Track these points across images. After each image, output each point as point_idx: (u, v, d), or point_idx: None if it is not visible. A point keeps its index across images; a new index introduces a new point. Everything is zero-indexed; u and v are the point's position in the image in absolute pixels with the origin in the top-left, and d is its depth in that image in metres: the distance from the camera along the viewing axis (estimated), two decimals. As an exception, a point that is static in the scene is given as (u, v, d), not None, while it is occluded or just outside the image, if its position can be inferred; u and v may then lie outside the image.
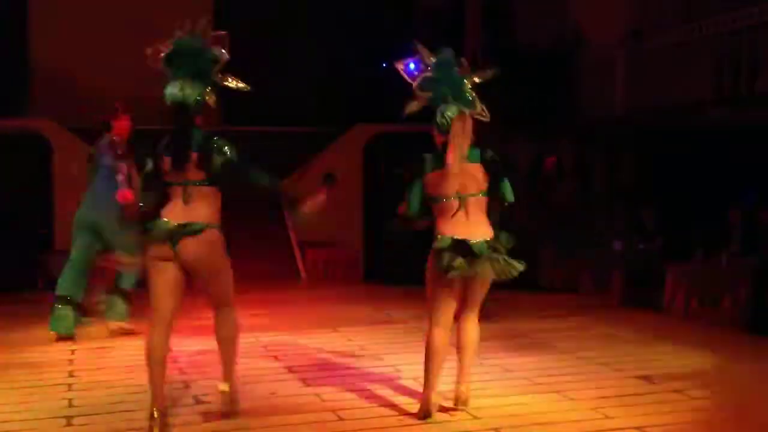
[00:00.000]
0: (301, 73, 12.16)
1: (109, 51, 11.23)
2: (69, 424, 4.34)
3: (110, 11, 11.63)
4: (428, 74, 4.44)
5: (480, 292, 4.40)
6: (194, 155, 4.07)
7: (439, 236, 4.27)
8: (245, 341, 5.80)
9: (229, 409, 4.39)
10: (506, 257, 4.25)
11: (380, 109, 11.57)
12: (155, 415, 4.11)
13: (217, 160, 4.08)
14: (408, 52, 4.59)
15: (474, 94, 4.46)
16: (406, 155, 11.75)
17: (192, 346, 6.19)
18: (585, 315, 7.72)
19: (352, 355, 5.93)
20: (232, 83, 4.22)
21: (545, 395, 4.87)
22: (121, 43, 11.37)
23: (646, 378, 5.25)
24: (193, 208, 4.09)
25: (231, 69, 4.29)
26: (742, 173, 8.42)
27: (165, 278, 4.12)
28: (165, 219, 4.09)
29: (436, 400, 4.41)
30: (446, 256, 4.17)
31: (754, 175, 8.24)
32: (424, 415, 4.35)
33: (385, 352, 6.08)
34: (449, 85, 4.44)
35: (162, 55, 4.19)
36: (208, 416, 4.46)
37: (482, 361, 5.50)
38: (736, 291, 7.27)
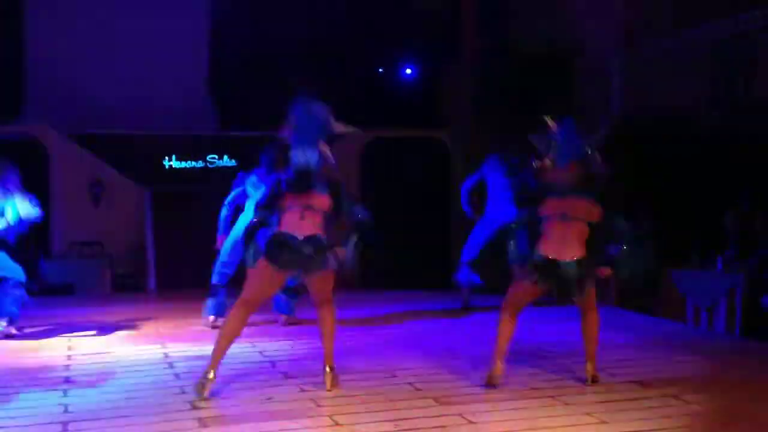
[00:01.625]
0: (295, 77, 12.18)
1: (108, 56, 11.25)
2: (65, 430, 4.34)
3: (109, 16, 11.64)
4: (554, 140, 5.18)
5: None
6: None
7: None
8: (241, 347, 5.85)
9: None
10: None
11: (377, 114, 11.62)
12: (210, 376, 4.84)
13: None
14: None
15: (589, 152, 5.17)
16: (404, 160, 11.80)
17: (188, 352, 6.20)
18: (579, 320, 7.71)
19: (348, 360, 5.92)
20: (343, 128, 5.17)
21: (540, 400, 4.88)
22: (120, 49, 11.42)
23: (642, 383, 5.26)
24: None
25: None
26: (738, 178, 8.45)
27: (278, 280, 5.04)
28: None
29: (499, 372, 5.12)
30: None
31: (750, 179, 8.27)
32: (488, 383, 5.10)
33: (381, 356, 6.09)
34: (569, 147, 5.15)
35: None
36: (203, 422, 4.46)
37: (477, 366, 5.51)
38: (732, 295, 7.29)
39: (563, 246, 5.04)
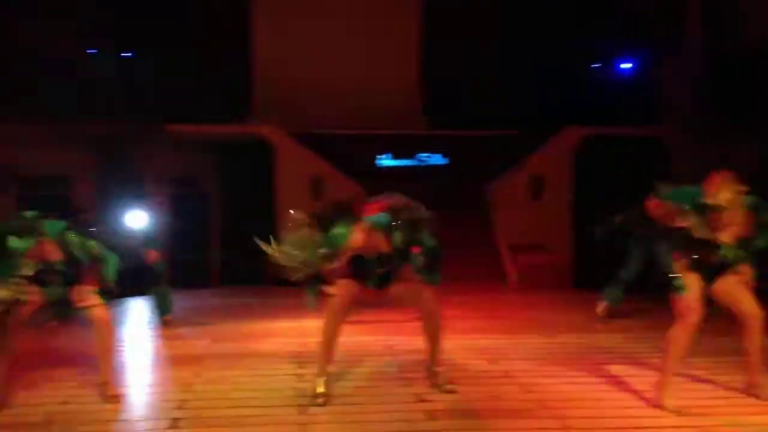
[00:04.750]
0: (507, 75, 12.12)
1: (327, 60, 11.73)
2: (301, 413, 4.59)
3: (328, 22, 12.12)
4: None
5: None
6: None
7: None
8: (462, 343, 5.89)
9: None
10: None
11: (592, 110, 11.29)
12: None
13: None
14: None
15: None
16: (619, 158, 11.38)
17: (409, 345, 6.29)
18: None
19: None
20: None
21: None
22: (337, 53, 11.88)
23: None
24: None
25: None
26: None
27: None
28: None
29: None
30: None
31: None
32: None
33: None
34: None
35: None
36: (432, 414, 4.53)
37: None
38: None
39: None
